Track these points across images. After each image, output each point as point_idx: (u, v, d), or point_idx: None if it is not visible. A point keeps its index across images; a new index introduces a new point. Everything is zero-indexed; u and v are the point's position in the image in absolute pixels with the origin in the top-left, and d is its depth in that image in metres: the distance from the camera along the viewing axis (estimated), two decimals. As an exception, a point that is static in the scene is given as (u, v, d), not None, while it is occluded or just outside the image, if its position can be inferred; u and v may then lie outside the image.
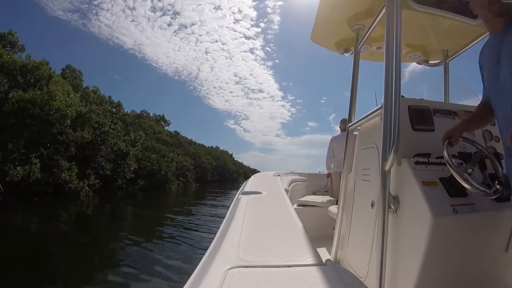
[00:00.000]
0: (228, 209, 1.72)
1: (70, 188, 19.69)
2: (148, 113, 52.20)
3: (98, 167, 23.10)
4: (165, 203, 21.35)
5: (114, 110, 29.78)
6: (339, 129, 4.27)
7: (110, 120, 25.35)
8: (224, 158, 75.63)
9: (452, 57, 2.12)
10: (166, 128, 53.34)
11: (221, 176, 65.78)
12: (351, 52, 2.13)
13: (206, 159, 57.32)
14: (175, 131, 53.71)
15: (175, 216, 13.73)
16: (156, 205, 19.90)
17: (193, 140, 62.54)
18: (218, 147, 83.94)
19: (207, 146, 71.41)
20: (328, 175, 4.22)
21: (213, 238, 1.19)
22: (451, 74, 2.15)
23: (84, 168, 21.61)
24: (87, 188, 21.26)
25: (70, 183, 19.60)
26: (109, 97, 29.77)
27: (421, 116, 1.48)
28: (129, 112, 42.84)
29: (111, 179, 24.65)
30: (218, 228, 1.35)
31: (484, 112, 1.28)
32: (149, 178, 30.23)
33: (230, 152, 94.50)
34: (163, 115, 55.74)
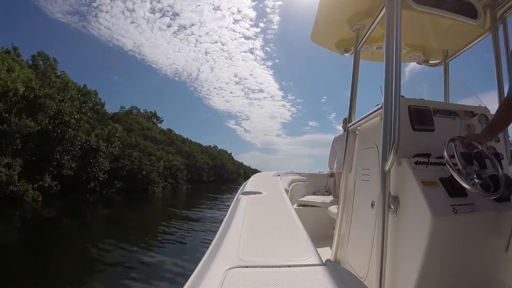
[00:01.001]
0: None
1: (13, 191, 15.14)
2: (139, 109, 49.64)
3: (58, 166, 18.89)
4: (140, 214, 16.41)
5: (87, 101, 25.21)
6: (340, 128, 4.28)
7: (78, 110, 21.62)
8: (222, 157, 71.83)
9: (452, 57, 2.12)
10: (159, 125, 50.67)
11: (219, 176, 62.15)
12: (351, 52, 2.13)
13: (202, 158, 53.59)
14: (168, 129, 50.73)
15: (136, 243, 9.05)
16: (124, 217, 14.94)
17: (189, 138, 59.47)
18: (216, 146, 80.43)
19: (203, 145, 68.18)
20: (331, 175, 4.22)
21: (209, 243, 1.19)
22: (451, 74, 2.15)
23: (37, 166, 17.42)
24: (32, 191, 16.51)
25: (11, 185, 15.01)
26: (84, 85, 26.18)
27: (421, 116, 1.48)
28: (117, 110, 41.95)
29: (79, 181, 20.87)
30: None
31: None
32: (129, 179, 26.23)
33: (229, 152, 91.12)
34: (154, 111, 52.78)
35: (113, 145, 25.79)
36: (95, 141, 22.57)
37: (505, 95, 1.32)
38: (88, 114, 23.96)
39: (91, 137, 22.50)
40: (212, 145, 76.76)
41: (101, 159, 23.13)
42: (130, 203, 20.60)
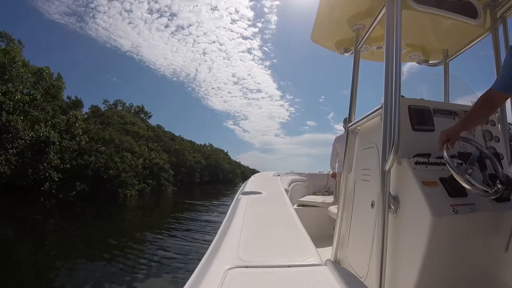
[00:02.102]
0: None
1: None
2: (124, 104, 45.34)
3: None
4: (99, 226, 12.37)
5: (39, 81, 19.65)
6: (338, 128, 4.31)
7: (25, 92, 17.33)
8: (217, 156, 65.62)
9: (452, 57, 2.12)
10: (150, 122, 46.03)
11: (213, 177, 56.37)
12: (351, 52, 2.13)
13: (194, 157, 47.71)
14: (157, 125, 45.55)
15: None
16: (74, 232, 11.02)
17: (181, 136, 53.48)
18: (212, 145, 74.31)
19: (197, 143, 62.17)
20: (333, 175, 4.22)
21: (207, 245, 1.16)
22: (451, 74, 2.15)
23: None
24: None
25: None
26: (46, 67, 20.32)
27: (421, 116, 1.48)
28: (102, 107, 37.13)
29: (32, 181, 16.65)
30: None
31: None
32: (96, 180, 20.99)
33: (225, 151, 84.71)
34: (142, 106, 48.13)
35: (80, 140, 21.10)
36: (45, 131, 17.31)
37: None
38: (38, 97, 18.43)
39: (40, 126, 17.26)
40: (207, 144, 71.55)
41: (52, 153, 17.93)
42: (92, 211, 16.21)
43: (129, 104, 46.14)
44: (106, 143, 24.90)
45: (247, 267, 0.81)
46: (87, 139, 22.38)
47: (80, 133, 21.77)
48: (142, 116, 46.26)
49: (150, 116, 48.45)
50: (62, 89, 22.76)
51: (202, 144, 67.07)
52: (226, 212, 1.35)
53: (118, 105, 43.68)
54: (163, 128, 45.11)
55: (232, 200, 2.18)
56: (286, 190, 3.17)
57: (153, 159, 30.40)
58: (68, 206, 17.05)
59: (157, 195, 27.08)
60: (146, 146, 32.10)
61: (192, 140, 59.10)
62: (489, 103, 1.21)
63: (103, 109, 36.94)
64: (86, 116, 30.13)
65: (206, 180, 51.92)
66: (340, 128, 4.20)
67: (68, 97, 27.54)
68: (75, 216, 14.91)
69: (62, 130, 19.94)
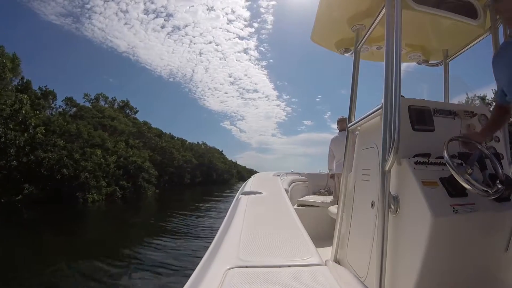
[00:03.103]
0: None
1: None
2: (107, 97, 40.85)
3: None
4: (48, 244, 9.34)
5: None
6: (335, 127, 4.30)
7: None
8: (211, 155, 60.77)
9: (452, 57, 2.12)
10: (134, 116, 42.12)
11: (207, 177, 52.38)
12: (351, 52, 2.13)
13: (184, 155, 43.11)
14: (144, 121, 41.45)
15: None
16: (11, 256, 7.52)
17: (171, 133, 49.91)
18: (205, 143, 69.49)
19: (189, 141, 57.40)
20: (331, 176, 4.23)
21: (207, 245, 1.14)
22: (451, 74, 2.15)
23: None
24: None
25: None
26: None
27: (421, 116, 1.48)
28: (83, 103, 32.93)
29: None
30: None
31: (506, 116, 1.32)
32: (51, 181, 17.23)
33: (220, 149, 79.84)
34: (127, 100, 43.22)
35: (31, 130, 16.91)
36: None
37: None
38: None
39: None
40: (200, 142, 66.69)
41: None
42: (43, 221, 12.94)
43: (112, 98, 41.64)
44: (72, 137, 21.01)
45: (247, 267, 0.81)
46: (43, 131, 18.12)
47: (32, 123, 17.31)
48: (127, 111, 42.13)
49: (136, 112, 44.47)
50: (8, 68, 17.90)
51: (195, 142, 62.95)
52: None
53: (101, 99, 39.83)
54: (150, 124, 41.70)
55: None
56: (286, 190, 3.17)
57: (129, 157, 25.50)
58: (11, 212, 13.77)
59: (132, 200, 22.51)
60: (125, 142, 27.74)
61: (184, 139, 55.83)
62: (502, 115, 1.34)
63: (82, 103, 33.38)
64: (60, 109, 28.58)
65: (199, 181, 48.12)
66: (336, 128, 4.21)
67: (40, 88, 25.73)
68: (10, 227, 11.28)
69: (7, 119, 15.81)
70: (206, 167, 54.03)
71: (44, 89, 26.30)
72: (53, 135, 19.44)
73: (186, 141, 56.04)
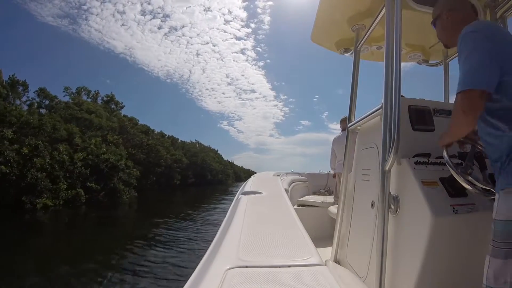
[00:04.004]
0: None
1: None
2: (89, 91, 36.24)
3: None
4: None
5: None
6: (333, 127, 4.36)
7: None
8: (204, 155, 55.15)
9: (452, 57, 2.12)
10: (121, 112, 37.47)
11: (200, 178, 47.54)
12: (351, 52, 2.13)
13: (173, 154, 38.24)
14: (132, 117, 36.85)
15: None
16: None
17: (163, 131, 44.96)
18: (199, 142, 63.53)
19: (180, 140, 52.51)
20: (334, 176, 4.23)
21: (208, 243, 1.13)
22: (451, 74, 2.15)
23: None
24: None
25: None
26: None
27: (421, 116, 1.48)
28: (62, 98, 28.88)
29: None
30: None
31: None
32: None
33: (215, 149, 72.98)
34: (112, 94, 38.33)
35: None
36: None
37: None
38: None
39: None
40: (193, 141, 61.12)
41: None
42: None
43: (95, 91, 36.83)
44: (36, 132, 18.08)
45: (247, 267, 0.81)
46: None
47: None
48: (112, 106, 37.66)
49: (122, 107, 39.68)
50: None
51: (189, 141, 57.59)
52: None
53: (83, 93, 35.51)
54: (138, 120, 37.18)
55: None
56: (286, 190, 3.18)
57: (101, 154, 21.32)
58: None
59: (101, 205, 18.31)
60: (102, 138, 23.89)
61: (176, 137, 50.80)
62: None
63: (60, 98, 29.13)
64: (32, 100, 25.61)
65: (191, 182, 43.62)
66: (334, 127, 4.21)
67: (10, 77, 23.45)
68: None
69: None
70: (200, 167, 49.52)
71: (12, 78, 23.62)
72: (10, 127, 16.24)
73: (178, 139, 51.47)
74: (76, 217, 15.13)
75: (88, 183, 19.51)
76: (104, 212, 16.25)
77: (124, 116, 35.68)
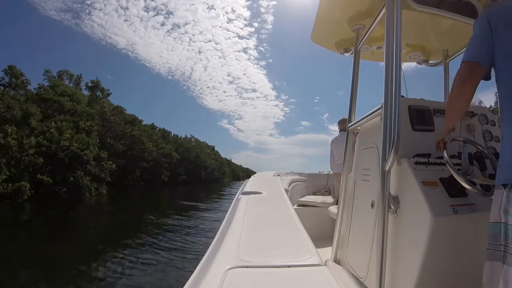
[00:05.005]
0: None
1: None
2: (72, 75, 32.43)
3: None
4: None
5: None
6: (333, 128, 4.36)
7: None
8: (199, 150, 50.06)
9: (452, 57, 2.12)
10: (108, 99, 33.47)
11: (193, 175, 43.10)
12: (351, 52, 2.13)
13: (161, 148, 34.45)
14: (118, 105, 31.88)
15: None
16: None
17: (155, 124, 40.99)
18: (195, 137, 58.40)
19: (173, 134, 48.44)
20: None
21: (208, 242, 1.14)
22: (451, 74, 2.15)
23: None
24: None
25: None
26: None
27: (421, 116, 1.48)
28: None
29: None
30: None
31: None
32: None
33: (212, 145, 67.66)
34: (97, 80, 33.97)
35: None
36: None
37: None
38: None
39: None
40: (188, 136, 55.70)
41: None
42: None
43: (77, 75, 32.72)
44: None
45: (247, 267, 0.81)
46: None
47: None
48: (98, 93, 33.84)
49: (109, 94, 35.62)
50: None
51: (184, 136, 53.01)
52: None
53: (65, 77, 31.87)
54: (125, 110, 32.68)
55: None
56: (286, 190, 3.18)
57: (61, 141, 17.21)
58: None
59: (52, 203, 14.73)
60: (72, 124, 20.17)
61: (168, 130, 46.94)
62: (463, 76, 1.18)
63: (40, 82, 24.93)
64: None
65: (182, 179, 39.25)
66: (335, 129, 4.22)
67: None
68: None
69: None
70: (193, 164, 44.71)
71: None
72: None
73: (170, 132, 47.30)
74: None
75: (38, 175, 15.27)
76: (48, 214, 12.64)
77: (106, 102, 31.20)
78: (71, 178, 17.53)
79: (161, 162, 33.25)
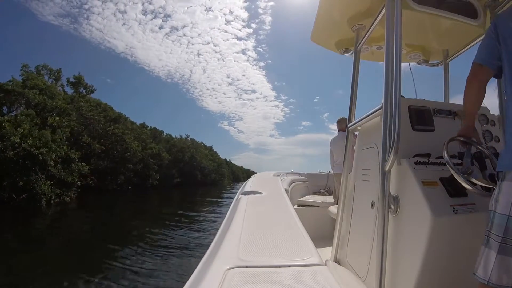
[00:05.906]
0: None
1: None
2: (51, 69, 26.18)
3: None
4: None
5: None
6: (333, 128, 4.33)
7: None
8: (194, 151, 44.77)
9: (452, 57, 2.12)
10: (92, 96, 28.44)
11: (188, 178, 38.58)
12: (351, 52, 2.13)
13: (150, 148, 30.47)
14: (99, 99, 28.66)
15: None
16: None
17: (146, 123, 36.92)
18: (191, 137, 52.00)
19: (166, 133, 43.78)
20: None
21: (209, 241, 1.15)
22: (451, 74, 2.15)
23: None
24: None
25: None
26: None
27: (421, 116, 1.48)
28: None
29: None
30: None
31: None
32: None
33: (210, 145, 60.97)
34: (80, 75, 29.25)
35: None
36: None
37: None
38: None
39: None
40: (183, 136, 49.51)
41: None
42: None
43: (57, 69, 27.67)
44: None
45: (247, 267, 0.81)
46: None
47: None
48: (81, 90, 29.86)
49: (93, 91, 31.40)
50: None
51: (179, 136, 47.38)
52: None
53: (44, 72, 26.86)
54: (111, 107, 29.24)
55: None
56: (286, 190, 3.18)
57: (12, 137, 13.55)
58: None
59: (6, 213, 11.66)
60: (41, 119, 16.97)
61: (160, 129, 41.85)
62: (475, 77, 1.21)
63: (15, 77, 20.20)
64: None
65: (176, 182, 35.29)
66: (335, 128, 4.23)
67: None
68: None
69: None
70: (188, 165, 40.15)
71: None
72: None
73: (162, 132, 42.58)
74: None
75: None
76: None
77: (81, 97, 26.49)
78: (21, 183, 13.45)
79: (149, 164, 29.29)
